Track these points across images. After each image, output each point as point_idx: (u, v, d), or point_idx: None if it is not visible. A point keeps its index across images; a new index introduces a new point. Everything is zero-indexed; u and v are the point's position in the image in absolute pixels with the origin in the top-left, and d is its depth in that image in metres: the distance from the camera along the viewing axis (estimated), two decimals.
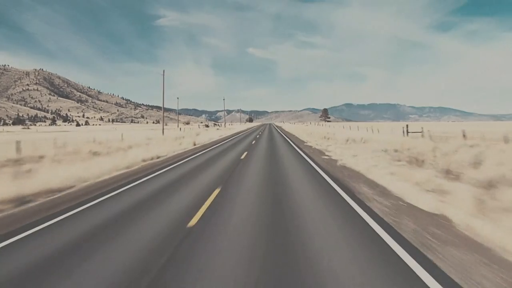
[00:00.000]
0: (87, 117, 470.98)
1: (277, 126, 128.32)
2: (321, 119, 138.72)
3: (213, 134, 34.65)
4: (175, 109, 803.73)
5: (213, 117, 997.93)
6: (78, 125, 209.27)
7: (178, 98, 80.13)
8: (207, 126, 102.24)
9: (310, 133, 40.10)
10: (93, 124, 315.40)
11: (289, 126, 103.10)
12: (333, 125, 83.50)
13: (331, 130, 44.17)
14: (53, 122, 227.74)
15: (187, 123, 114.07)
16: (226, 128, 76.57)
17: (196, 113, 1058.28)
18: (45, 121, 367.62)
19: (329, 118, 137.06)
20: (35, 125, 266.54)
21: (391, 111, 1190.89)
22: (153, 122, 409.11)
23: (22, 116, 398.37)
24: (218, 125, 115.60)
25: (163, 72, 26.52)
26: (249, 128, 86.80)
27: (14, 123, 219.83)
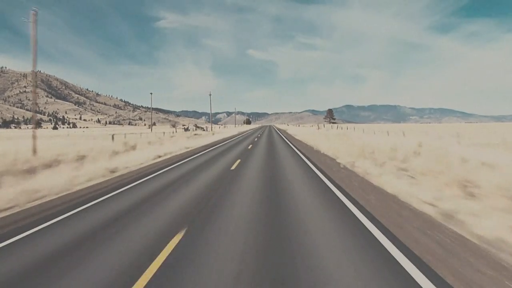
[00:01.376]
0: (84, 119, 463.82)
1: (278, 129, 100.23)
2: (325, 121, 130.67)
3: (159, 151, 19.03)
4: (174, 111, 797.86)
5: (213, 119, 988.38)
6: (55, 128, 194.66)
7: (151, 93, 71.34)
8: (186, 129, 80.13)
9: (360, 150, 15.36)
10: (80, 127, 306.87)
11: (295, 130, 71.31)
12: (350, 128, 65.74)
13: (377, 139, 24.19)
14: (38, 124, 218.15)
15: (173, 126, 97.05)
16: (206, 134, 51.24)
17: (196, 115, 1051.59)
18: (40, 123, 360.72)
19: (334, 119, 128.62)
20: (20, 128, 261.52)
21: (391, 113, 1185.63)
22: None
23: (18, 118, 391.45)
24: (203, 129, 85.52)
25: (35, 13, 17.76)
26: (241, 134, 61.37)
27: None
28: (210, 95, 75.84)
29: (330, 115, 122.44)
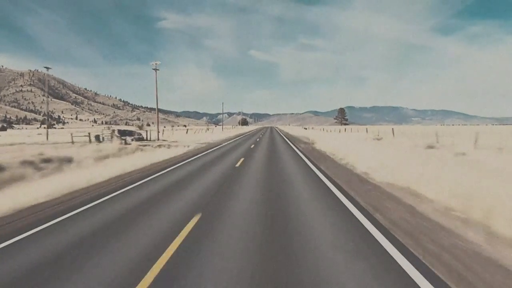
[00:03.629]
0: (80, 119, 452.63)
1: (287, 135, 54.55)
2: (336, 122, 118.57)
3: None
4: (174, 111, 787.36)
5: (214, 120, 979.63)
6: (3, 129, 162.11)
7: (47, 68, 49.45)
8: (97, 138, 35.92)
9: None
10: (56, 127, 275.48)
11: (328, 141, 27.89)
12: (363, 129, 48.68)
13: None
14: (9, 124, 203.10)
15: (109, 128, 43.41)
16: (92, 164, 15.31)
17: (196, 115, 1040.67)
18: (30, 124, 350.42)
19: (346, 120, 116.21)
20: None
21: (393, 114, 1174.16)
22: (147, 125, 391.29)
23: (10, 117, 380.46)
24: (138, 137, 38.27)
25: None
26: (200, 154, 21.48)
27: None
28: (155, 69, 42.14)
29: (342, 116, 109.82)
